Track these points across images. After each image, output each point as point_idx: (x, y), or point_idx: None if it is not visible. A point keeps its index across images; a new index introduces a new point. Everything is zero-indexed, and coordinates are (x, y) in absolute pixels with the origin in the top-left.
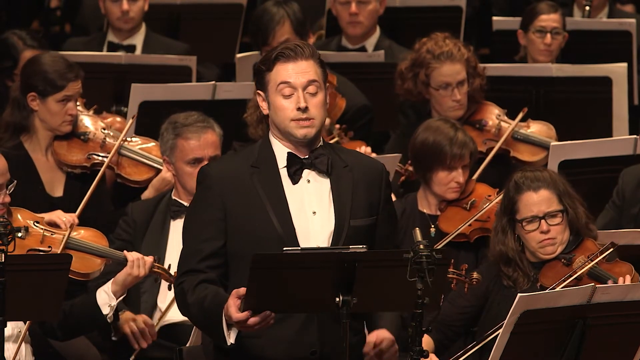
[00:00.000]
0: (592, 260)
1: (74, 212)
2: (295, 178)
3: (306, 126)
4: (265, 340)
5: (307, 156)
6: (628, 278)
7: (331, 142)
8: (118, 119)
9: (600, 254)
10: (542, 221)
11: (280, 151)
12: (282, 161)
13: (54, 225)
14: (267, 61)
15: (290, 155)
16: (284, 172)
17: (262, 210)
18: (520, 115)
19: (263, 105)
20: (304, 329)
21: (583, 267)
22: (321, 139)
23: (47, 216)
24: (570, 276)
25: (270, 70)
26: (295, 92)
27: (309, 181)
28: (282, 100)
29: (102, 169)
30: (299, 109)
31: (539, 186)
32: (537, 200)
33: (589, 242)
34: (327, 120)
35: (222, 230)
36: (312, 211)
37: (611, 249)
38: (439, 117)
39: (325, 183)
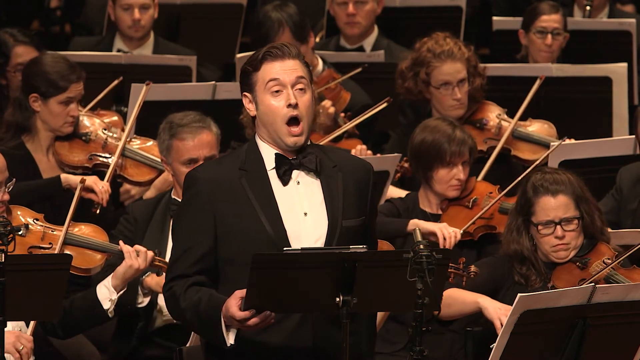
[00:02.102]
0: (609, 265)
1: (76, 213)
2: (284, 179)
3: (296, 134)
4: (261, 341)
5: (295, 157)
6: None
7: (338, 133)
8: (115, 117)
9: (616, 259)
10: (558, 227)
11: (268, 153)
12: (270, 163)
13: (89, 190)
14: (254, 61)
15: (278, 156)
16: (272, 174)
17: (252, 213)
18: (518, 114)
19: (250, 107)
20: (298, 330)
21: (601, 272)
22: (308, 139)
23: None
24: (587, 280)
25: (257, 69)
26: (285, 89)
27: (298, 183)
28: (271, 99)
29: (110, 170)
30: (289, 105)
31: (557, 190)
32: (555, 206)
33: (602, 246)
34: (332, 109)
35: (212, 235)
36: (303, 212)
37: (628, 253)
38: (436, 117)
39: (316, 184)
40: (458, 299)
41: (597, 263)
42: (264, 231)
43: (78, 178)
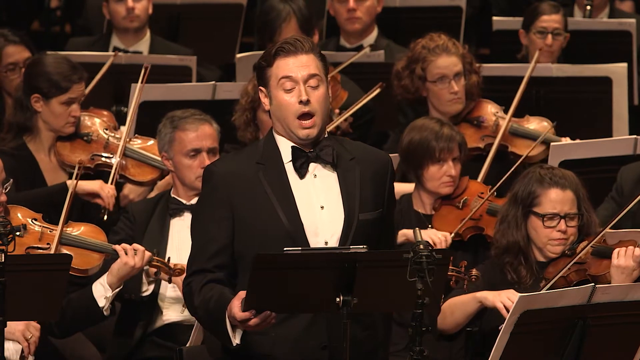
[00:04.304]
0: (591, 242)
1: (76, 214)
2: (301, 172)
3: (308, 127)
4: (275, 336)
5: (312, 149)
6: (630, 248)
7: (332, 125)
8: (106, 115)
9: (599, 234)
10: (562, 220)
11: (285, 146)
12: (287, 156)
13: (95, 195)
14: (268, 57)
15: (294, 149)
16: (289, 167)
17: (269, 206)
18: (512, 109)
19: (265, 102)
20: (313, 324)
21: (585, 249)
22: (325, 131)
23: (89, 185)
24: (572, 259)
25: (270, 65)
26: (297, 85)
27: (315, 176)
28: (283, 95)
29: (114, 171)
30: (300, 102)
31: (565, 185)
32: (563, 199)
33: (591, 237)
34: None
35: (230, 229)
36: (319, 206)
37: (609, 225)
38: (424, 117)
39: (333, 177)
40: (457, 303)
41: (583, 244)
42: (281, 225)
43: (84, 183)
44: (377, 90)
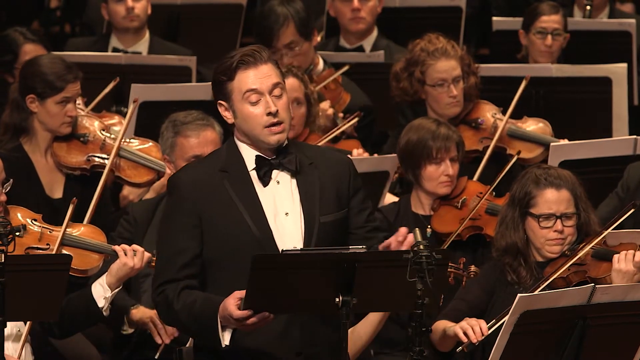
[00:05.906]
0: (592, 244)
1: (74, 214)
2: (265, 180)
3: (278, 132)
4: (249, 343)
5: (274, 157)
6: (631, 252)
7: (337, 132)
8: (117, 120)
9: (601, 234)
10: (558, 220)
11: (248, 154)
12: (250, 164)
13: None
14: (227, 70)
15: (258, 158)
16: (253, 175)
17: (237, 213)
18: (509, 111)
19: (227, 115)
20: (286, 331)
21: (584, 251)
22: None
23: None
24: (571, 259)
25: (231, 79)
26: (262, 97)
27: (278, 182)
28: (250, 107)
29: (106, 172)
30: (269, 113)
31: (561, 185)
32: (558, 199)
33: (592, 238)
34: (330, 111)
35: (199, 238)
36: (284, 212)
37: (609, 228)
38: (421, 117)
39: (294, 183)
40: (437, 331)
41: (583, 245)
42: (249, 232)
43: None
44: (355, 120)
